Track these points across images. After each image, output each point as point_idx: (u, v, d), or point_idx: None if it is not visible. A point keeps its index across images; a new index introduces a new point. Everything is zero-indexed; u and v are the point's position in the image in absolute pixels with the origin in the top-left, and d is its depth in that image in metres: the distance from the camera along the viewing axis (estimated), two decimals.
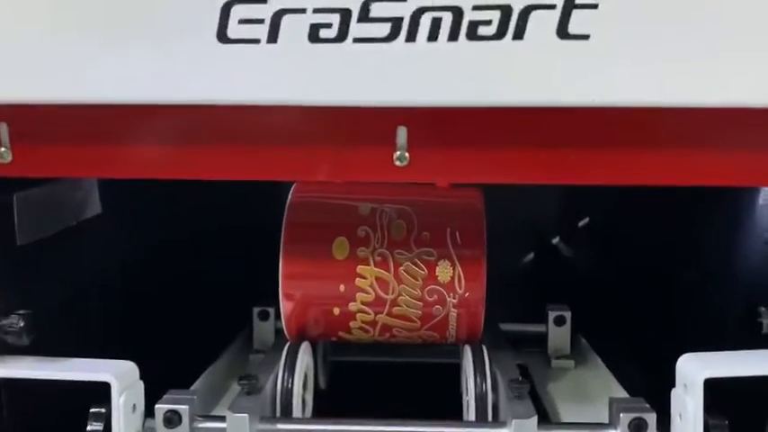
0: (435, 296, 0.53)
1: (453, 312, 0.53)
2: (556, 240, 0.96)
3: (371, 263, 0.52)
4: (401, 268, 0.53)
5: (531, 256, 0.94)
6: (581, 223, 0.92)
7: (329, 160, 0.42)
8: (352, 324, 0.54)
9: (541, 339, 0.68)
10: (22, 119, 0.43)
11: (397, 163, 0.42)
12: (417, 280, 0.53)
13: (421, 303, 0.53)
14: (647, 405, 0.46)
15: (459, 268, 0.52)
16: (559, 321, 0.68)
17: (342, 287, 0.53)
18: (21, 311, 0.45)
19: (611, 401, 0.47)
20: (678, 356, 0.61)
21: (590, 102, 0.37)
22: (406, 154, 0.42)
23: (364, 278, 0.53)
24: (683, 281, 0.67)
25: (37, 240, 0.53)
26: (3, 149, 0.43)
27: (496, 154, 0.41)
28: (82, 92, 0.39)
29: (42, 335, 0.47)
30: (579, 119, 0.40)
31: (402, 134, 0.42)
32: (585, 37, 0.37)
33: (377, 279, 0.53)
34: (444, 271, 0.52)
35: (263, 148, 0.42)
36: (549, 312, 0.68)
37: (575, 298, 0.74)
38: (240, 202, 0.71)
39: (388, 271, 0.52)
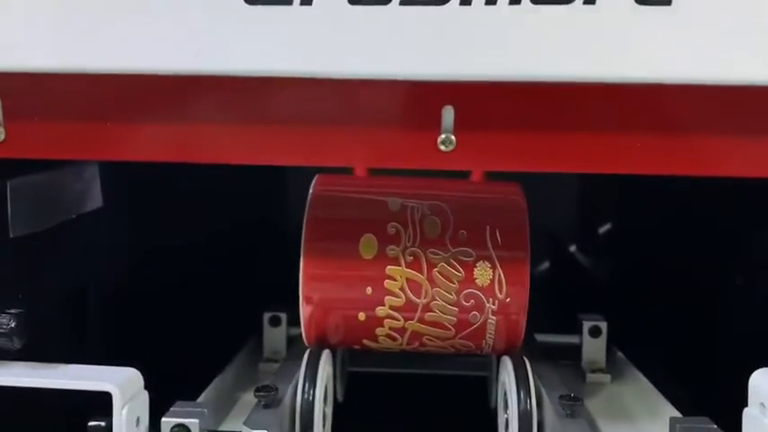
0: (473, 301, 0.47)
1: (492, 320, 0.48)
2: (573, 248, 0.92)
3: (402, 263, 0.47)
4: (435, 270, 0.47)
5: (546, 264, 0.90)
6: (601, 229, 0.88)
7: (364, 144, 0.38)
8: (378, 331, 0.49)
9: (572, 351, 0.64)
10: (17, 92, 0.38)
11: (442, 147, 0.37)
12: (453, 283, 0.47)
13: (456, 309, 0.48)
14: (714, 426, 0.41)
15: (499, 271, 0.47)
16: (594, 332, 0.63)
17: (369, 289, 0.48)
18: (12, 311, 0.40)
19: (673, 421, 0.42)
20: (720, 370, 0.57)
21: (672, 78, 0.33)
22: (452, 137, 0.37)
23: (394, 280, 0.47)
24: (723, 287, 0.62)
25: (32, 233, 0.48)
26: None
27: (555, 139, 0.36)
28: (88, 60, 0.34)
29: (36, 338, 0.42)
30: (652, 99, 0.35)
31: (448, 115, 0.37)
32: (667, 2, 0.32)
33: (408, 281, 0.47)
34: (483, 273, 0.47)
35: (288, 129, 0.37)
36: (584, 323, 0.63)
37: (597, 305, 0.70)
38: (250, 198, 0.66)
39: (420, 272, 0.47)
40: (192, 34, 0.34)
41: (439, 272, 0.47)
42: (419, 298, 0.47)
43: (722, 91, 0.34)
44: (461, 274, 0.47)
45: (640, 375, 0.61)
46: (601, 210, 0.83)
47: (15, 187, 0.46)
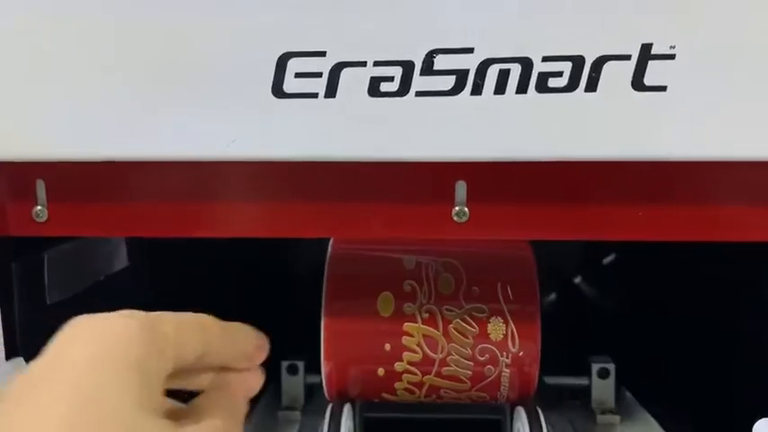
0: (487, 355, 0.50)
1: (506, 372, 0.50)
2: (578, 279, 0.94)
3: (419, 320, 0.50)
4: (450, 326, 0.50)
5: (552, 296, 0.91)
6: (606, 260, 0.90)
7: (384, 216, 0.40)
8: (397, 385, 0.51)
9: (581, 392, 0.66)
10: (60, 176, 0.41)
11: (456, 219, 0.40)
12: (468, 338, 0.50)
13: (472, 363, 0.50)
14: None
15: (512, 326, 0.50)
16: (603, 374, 0.65)
17: (387, 346, 0.50)
18: None
19: None
20: (729, 411, 0.59)
21: (668, 156, 0.35)
22: (466, 209, 0.40)
23: (411, 336, 0.50)
24: (732, 328, 0.64)
25: (66, 298, 0.51)
26: (39, 208, 0.41)
27: (564, 210, 0.39)
28: (129, 149, 0.37)
29: None
30: (653, 173, 0.38)
31: (461, 189, 0.40)
32: (663, 89, 0.35)
33: (425, 337, 0.50)
34: (496, 329, 0.50)
35: (315, 204, 0.40)
36: (593, 365, 0.65)
37: (604, 343, 0.71)
38: (266, 251, 0.68)
39: (436, 329, 0.50)
40: (225, 124, 0.36)
41: (454, 328, 0.50)
42: (436, 353, 0.50)
43: (715, 164, 0.37)
44: (476, 329, 0.50)
45: (649, 416, 0.63)
46: (606, 250, 0.85)
47: (51, 257, 0.49)
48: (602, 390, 0.65)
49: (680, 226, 0.39)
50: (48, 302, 0.49)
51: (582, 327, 0.81)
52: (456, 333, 0.50)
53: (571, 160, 0.37)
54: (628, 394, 0.66)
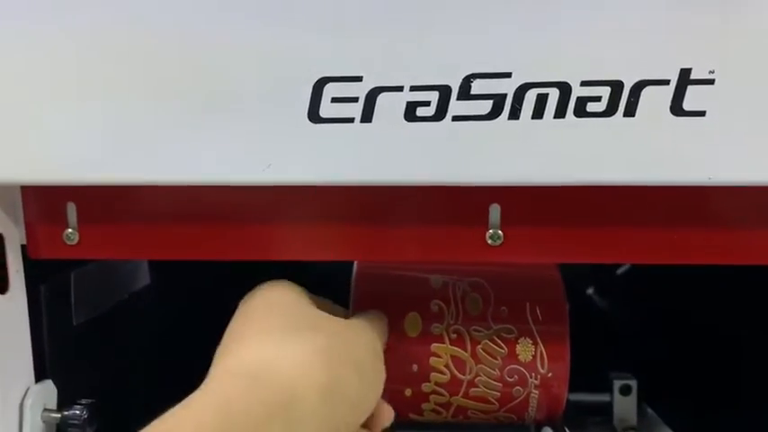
0: (516, 376, 0.49)
1: (534, 393, 0.50)
2: (590, 290, 0.93)
3: (447, 340, 0.49)
4: (479, 347, 0.49)
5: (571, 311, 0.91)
6: (620, 270, 0.89)
7: (417, 239, 0.40)
8: (424, 406, 0.51)
9: (603, 409, 0.65)
10: (91, 199, 0.41)
11: (490, 242, 0.40)
12: (496, 359, 0.49)
13: (500, 384, 0.49)
14: None
15: (541, 347, 0.49)
16: (625, 391, 0.65)
17: (415, 367, 0.49)
18: (83, 401, 0.43)
19: None
20: (751, 425, 0.59)
21: (705, 181, 0.35)
22: (500, 233, 0.39)
23: (439, 357, 0.49)
24: (758, 340, 0.64)
25: (92, 318, 0.51)
26: (70, 230, 0.41)
27: (600, 234, 0.39)
28: (162, 174, 0.37)
29: (102, 423, 0.45)
30: (690, 198, 0.38)
31: (495, 212, 0.39)
32: (702, 113, 0.35)
33: (452, 358, 0.49)
34: (525, 350, 0.49)
35: (349, 228, 0.40)
36: (614, 381, 0.65)
37: (625, 359, 0.71)
38: (290, 273, 0.68)
39: (464, 350, 0.49)
40: (261, 149, 0.36)
41: (482, 348, 0.49)
42: (464, 374, 0.49)
43: (754, 189, 0.36)
44: (504, 350, 0.49)
45: None
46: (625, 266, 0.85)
47: (78, 277, 0.48)
48: (624, 407, 0.64)
49: (717, 250, 0.38)
50: (74, 323, 0.48)
51: (602, 342, 0.81)
52: (484, 354, 0.49)
53: (608, 185, 0.36)
54: (650, 411, 0.66)
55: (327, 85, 0.35)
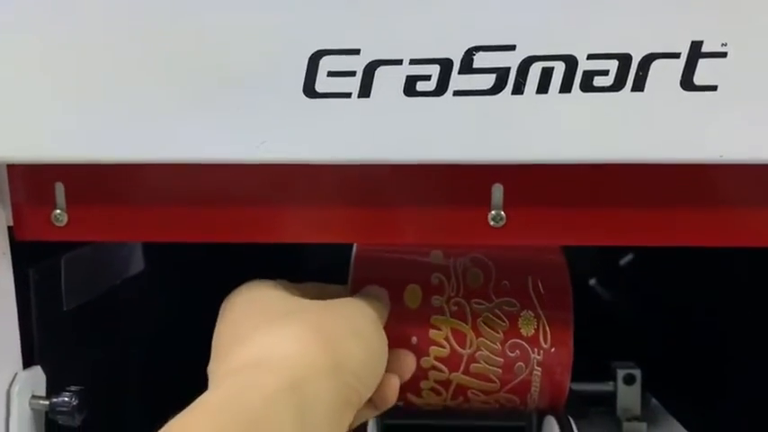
0: (517, 351, 0.47)
1: (537, 371, 0.48)
2: (593, 281, 0.92)
3: (447, 313, 0.47)
4: (480, 319, 0.47)
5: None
6: (623, 260, 0.88)
7: (418, 221, 0.39)
8: (423, 384, 0.48)
9: (607, 399, 0.64)
10: (80, 179, 0.39)
11: (492, 224, 0.38)
12: (498, 333, 0.47)
13: (501, 360, 0.47)
14: None
15: (543, 321, 0.47)
16: (629, 380, 0.64)
17: (414, 339, 0.47)
18: (73, 388, 0.41)
19: None
20: (758, 415, 0.58)
21: (717, 159, 0.34)
22: (503, 213, 0.38)
23: (439, 330, 0.47)
24: (763, 328, 0.62)
25: (83, 303, 0.49)
26: (58, 211, 0.40)
27: (606, 214, 0.37)
28: (152, 152, 0.36)
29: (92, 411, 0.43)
30: (699, 176, 0.36)
31: (498, 192, 0.38)
32: (713, 88, 0.33)
33: (453, 331, 0.47)
34: (527, 323, 0.47)
35: (346, 209, 0.39)
36: (618, 371, 0.64)
37: (629, 348, 0.70)
38: (287, 258, 0.67)
39: (465, 322, 0.47)
40: (254, 125, 0.35)
41: (483, 322, 0.47)
42: (464, 348, 0.47)
43: (757, 168, 0.35)
44: (506, 323, 0.47)
45: (676, 423, 0.61)
46: (628, 250, 0.84)
47: (69, 261, 0.47)
48: (628, 396, 0.63)
49: (725, 231, 0.37)
50: (64, 308, 0.47)
51: (606, 332, 0.80)
52: (485, 327, 0.47)
53: (615, 163, 0.35)
54: (654, 401, 0.65)
55: (323, 59, 0.34)
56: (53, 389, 0.42)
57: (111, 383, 0.50)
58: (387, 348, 0.40)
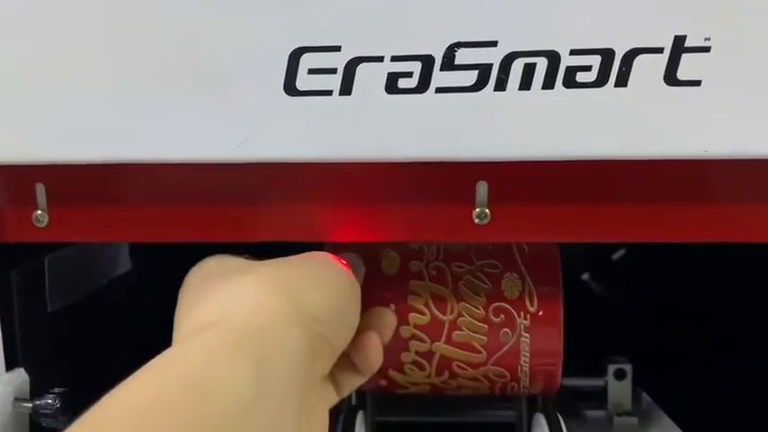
0: (502, 316, 0.44)
1: (525, 338, 0.44)
2: (586, 276, 0.92)
3: (426, 277, 0.45)
4: (460, 282, 0.45)
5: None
6: (615, 255, 0.88)
7: (401, 219, 0.38)
8: (404, 357, 0.45)
9: (597, 394, 0.64)
10: (60, 180, 0.39)
11: (477, 221, 0.38)
12: (480, 296, 0.44)
13: (485, 326, 0.44)
14: None
15: (529, 283, 0.45)
16: (620, 375, 0.64)
17: (393, 306, 0.44)
18: (56, 390, 0.41)
19: None
20: (750, 410, 0.58)
21: (702, 154, 0.34)
22: (487, 211, 0.38)
23: (418, 296, 0.45)
24: (754, 322, 0.62)
25: (68, 305, 0.49)
26: (39, 212, 0.39)
27: (591, 211, 0.37)
28: (133, 151, 0.35)
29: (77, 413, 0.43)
30: (685, 172, 0.36)
31: (482, 190, 0.38)
32: (697, 83, 0.33)
33: (433, 296, 0.45)
34: (511, 285, 0.45)
35: (328, 207, 0.38)
36: (609, 365, 0.64)
37: (619, 343, 0.70)
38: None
39: (445, 286, 0.45)
40: (235, 124, 0.34)
41: (464, 285, 0.45)
42: (445, 315, 0.45)
43: (751, 162, 0.35)
44: (488, 286, 0.45)
45: (667, 418, 0.61)
46: (618, 246, 0.84)
47: (53, 262, 0.47)
48: (619, 391, 0.63)
49: (715, 227, 0.37)
50: (49, 309, 0.47)
51: (596, 326, 0.80)
52: (466, 290, 0.45)
53: (599, 159, 0.35)
54: (645, 396, 0.65)
55: (304, 56, 0.34)
56: (38, 391, 0.42)
57: (97, 385, 0.50)
58: (358, 301, 0.37)
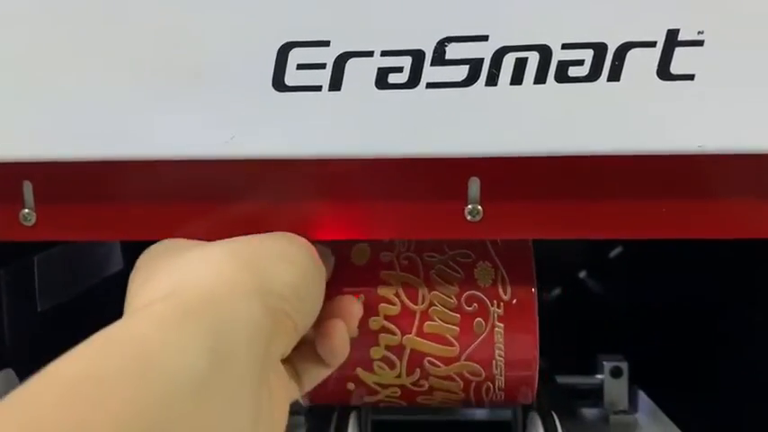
0: (475, 305, 0.43)
1: (499, 328, 0.43)
2: (582, 274, 0.92)
3: (397, 267, 0.44)
4: (432, 272, 0.44)
5: (556, 291, 0.89)
6: (612, 253, 0.88)
7: (392, 216, 0.38)
8: (373, 353, 0.43)
9: (593, 392, 0.64)
10: (48, 177, 0.39)
11: (469, 218, 0.38)
12: (453, 285, 0.44)
13: (458, 316, 0.43)
14: None
15: (502, 271, 0.44)
16: (616, 373, 0.64)
17: (361, 296, 0.43)
18: None
19: None
20: (746, 408, 0.57)
21: (696, 149, 0.33)
22: (479, 208, 0.37)
23: (388, 285, 0.44)
24: (751, 320, 0.62)
25: (58, 304, 0.49)
26: (26, 211, 0.39)
27: (584, 207, 0.37)
28: (121, 148, 0.35)
29: None
30: (678, 167, 0.36)
31: (474, 186, 0.37)
32: (690, 77, 0.33)
33: (403, 285, 0.44)
34: (484, 274, 0.44)
35: (318, 204, 0.38)
36: (605, 363, 0.63)
37: (615, 341, 0.70)
38: None
39: (416, 275, 0.44)
40: (223, 120, 0.34)
41: (436, 273, 0.44)
42: (416, 304, 0.44)
43: (746, 157, 0.34)
44: (460, 274, 0.44)
45: (664, 416, 0.61)
46: (615, 243, 0.83)
47: (42, 261, 0.46)
48: (615, 389, 0.63)
49: (708, 223, 0.36)
50: (39, 309, 0.46)
51: (592, 324, 0.80)
52: (438, 279, 0.44)
53: (592, 154, 0.34)
54: (641, 393, 0.64)
55: (293, 51, 0.33)
56: None
57: None
58: (323, 284, 0.36)
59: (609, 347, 0.66)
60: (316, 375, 0.37)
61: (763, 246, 0.41)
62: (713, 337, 0.64)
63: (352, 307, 0.39)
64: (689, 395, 0.64)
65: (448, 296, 0.44)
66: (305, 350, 0.36)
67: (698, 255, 0.63)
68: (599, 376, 0.63)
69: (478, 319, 0.43)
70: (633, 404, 0.64)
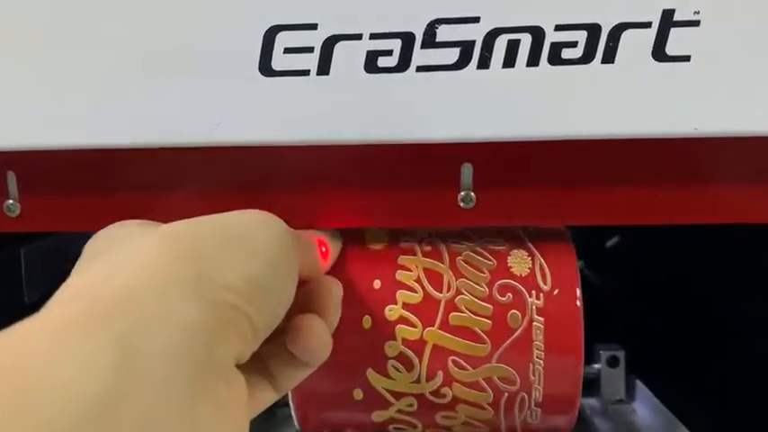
0: (509, 295, 0.37)
1: (538, 322, 0.37)
2: (580, 264, 0.91)
3: (418, 252, 0.38)
4: (459, 258, 0.38)
5: None
6: (609, 242, 0.87)
7: (383, 203, 0.37)
8: (388, 349, 0.37)
9: (591, 381, 0.64)
10: (32, 167, 0.38)
11: (462, 205, 0.37)
12: (483, 272, 0.38)
13: (490, 307, 0.37)
14: None
15: (540, 259, 0.38)
16: (613, 362, 0.63)
17: (377, 283, 0.37)
18: None
19: None
20: (744, 399, 0.57)
21: (692, 132, 0.33)
22: (472, 194, 0.37)
23: (408, 270, 0.38)
24: (749, 309, 0.62)
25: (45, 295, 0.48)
26: (10, 201, 0.38)
27: (579, 193, 0.36)
28: (106, 136, 0.34)
29: None
30: (674, 151, 0.35)
31: (467, 173, 0.37)
32: (686, 59, 0.32)
33: (426, 271, 0.38)
34: (520, 262, 0.38)
35: (308, 193, 0.37)
36: (602, 353, 0.63)
37: (612, 330, 0.69)
38: None
39: (441, 261, 0.38)
40: (209, 106, 0.33)
41: (464, 261, 0.38)
42: (441, 292, 0.38)
43: (742, 141, 0.34)
44: (492, 262, 0.38)
45: (662, 406, 0.61)
46: (611, 231, 0.83)
47: (29, 253, 0.46)
48: (612, 379, 0.63)
49: (705, 209, 0.36)
50: (26, 301, 0.46)
51: (589, 313, 0.79)
52: (467, 266, 0.38)
53: (586, 139, 0.34)
54: (639, 383, 0.64)
55: (279, 34, 0.32)
56: None
57: None
58: (295, 270, 0.31)
59: (606, 337, 0.65)
60: (294, 376, 0.33)
61: (759, 233, 0.40)
62: (710, 326, 0.63)
63: (332, 289, 0.34)
64: (686, 385, 0.64)
65: (478, 284, 0.38)
66: (278, 348, 0.31)
67: (695, 243, 0.62)
68: (596, 366, 0.63)
69: (514, 311, 0.38)
70: (630, 394, 0.63)
